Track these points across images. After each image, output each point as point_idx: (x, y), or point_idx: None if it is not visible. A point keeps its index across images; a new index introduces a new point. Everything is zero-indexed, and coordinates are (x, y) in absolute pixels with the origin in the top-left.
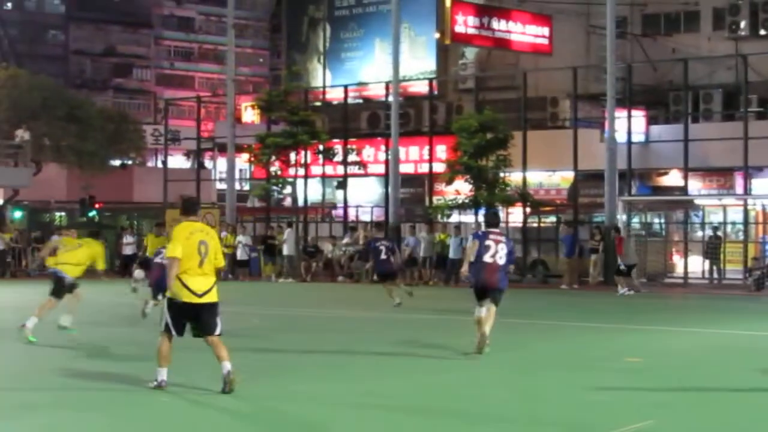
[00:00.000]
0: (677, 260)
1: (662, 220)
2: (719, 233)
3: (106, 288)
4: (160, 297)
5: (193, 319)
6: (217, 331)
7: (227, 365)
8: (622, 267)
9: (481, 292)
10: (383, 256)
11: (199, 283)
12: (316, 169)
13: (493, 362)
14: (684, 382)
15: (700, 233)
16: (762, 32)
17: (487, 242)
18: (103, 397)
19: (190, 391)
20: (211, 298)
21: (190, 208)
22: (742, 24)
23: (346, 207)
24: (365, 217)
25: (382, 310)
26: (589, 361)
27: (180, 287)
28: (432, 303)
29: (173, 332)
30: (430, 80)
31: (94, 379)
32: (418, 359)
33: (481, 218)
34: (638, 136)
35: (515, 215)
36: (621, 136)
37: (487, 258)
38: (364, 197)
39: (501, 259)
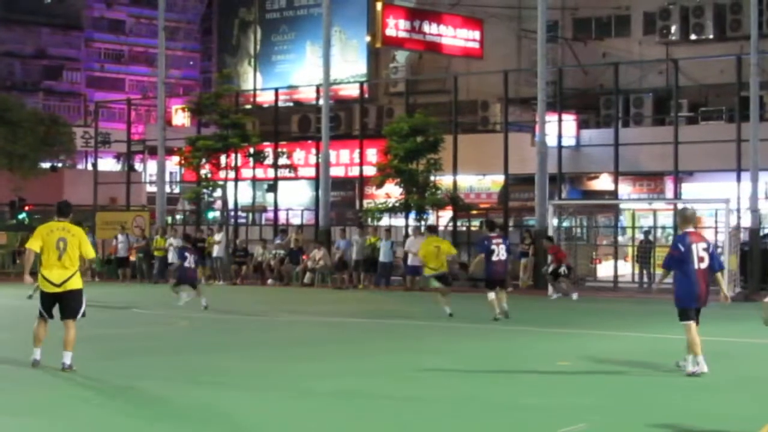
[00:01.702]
0: (604, 264)
1: (586, 225)
2: (650, 237)
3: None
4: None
5: (57, 304)
6: (79, 316)
7: (68, 357)
8: (563, 270)
9: (494, 282)
10: (498, 257)
11: (57, 275)
12: (246, 172)
13: (427, 367)
14: (615, 385)
15: (621, 238)
16: (693, 37)
17: (492, 246)
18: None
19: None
20: (71, 286)
21: (62, 210)
22: (673, 29)
23: (276, 210)
24: (295, 221)
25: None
26: (520, 364)
27: (42, 279)
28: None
29: (45, 316)
30: (361, 83)
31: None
32: (349, 361)
33: (411, 222)
34: (569, 140)
35: (445, 219)
36: (552, 140)
37: (494, 257)
38: (295, 200)
39: (503, 256)
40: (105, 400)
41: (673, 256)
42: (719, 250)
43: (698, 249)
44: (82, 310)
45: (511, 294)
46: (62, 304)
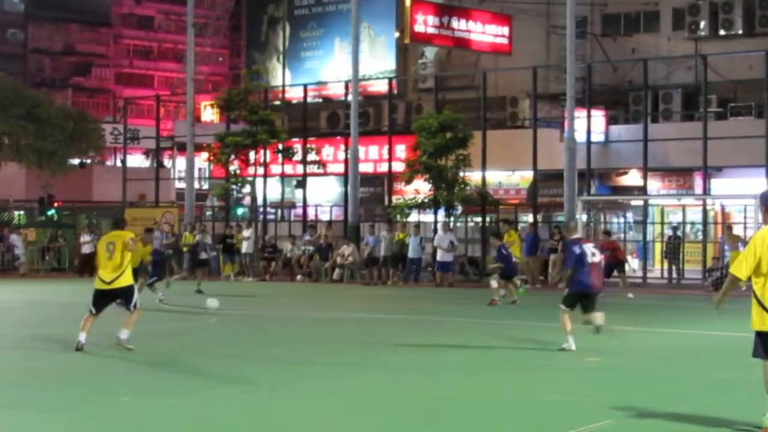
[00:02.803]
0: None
1: (619, 220)
2: (679, 233)
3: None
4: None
5: (111, 299)
6: (132, 308)
7: (125, 332)
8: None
9: (508, 277)
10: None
11: (106, 275)
12: (275, 169)
13: (451, 362)
14: (643, 382)
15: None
16: (721, 33)
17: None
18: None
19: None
20: (119, 284)
21: (118, 224)
22: (702, 24)
23: (305, 206)
24: (324, 217)
25: (341, 309)
26: (548, 360)
27: (96, 279)
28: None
29: (93, 311)
30: (390, 79)
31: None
32: (377, 357)
33: (440, 218)
34: (598, 136)
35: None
36: (580, 136)
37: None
38: (324, 196)
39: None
40: (134, 396)
41: (573, 258)
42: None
43: (590, 248)
44: (132, 304)
45: (539, 290)
46: (119, 298)
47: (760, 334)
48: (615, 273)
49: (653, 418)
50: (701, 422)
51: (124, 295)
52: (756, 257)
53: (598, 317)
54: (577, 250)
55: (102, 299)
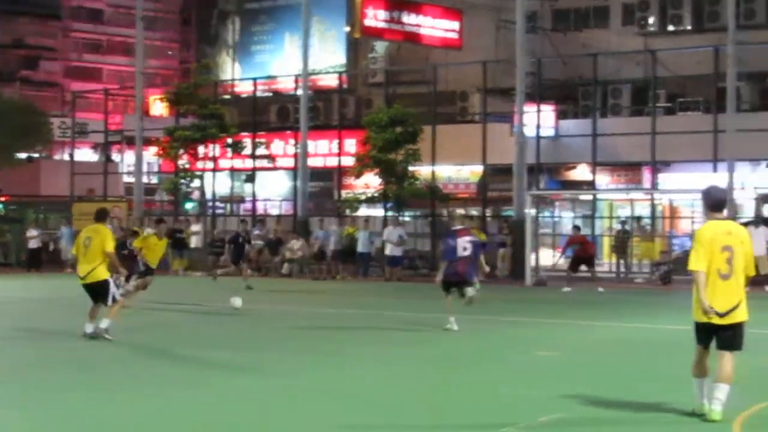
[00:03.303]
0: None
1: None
2: (627, 227)
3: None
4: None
5: (91, 292)
6: (108, 303)
7: (105, 321)
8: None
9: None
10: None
11: (82, 270)
12: (224, 163)
13: (404, 357)
14: (593, 375)
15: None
16: (670, 28)
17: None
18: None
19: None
20: (93, 278)
21: (101, 215)
22: (651, 20)
23: (254, 201)
24: (274, 211)
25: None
26: (500, 354)
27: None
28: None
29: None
30: (340, 74)
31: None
32: (327, 356)
33: (390, 212)
34: (547, 131)
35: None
36: (530, 131)
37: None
38: (273, 191)
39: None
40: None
41: (447, 248)
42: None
43: (463, 242)
44: (110, 299)
45: (489, 284)
46: (92, 293)
47: (695, 324)
48: (583, 267)
49: (603, 410)
50: (650, 413)
51: (98, 290)
52: (706, 250)
53: (470, 290)
54: (450, 242)
55: (87, 292)
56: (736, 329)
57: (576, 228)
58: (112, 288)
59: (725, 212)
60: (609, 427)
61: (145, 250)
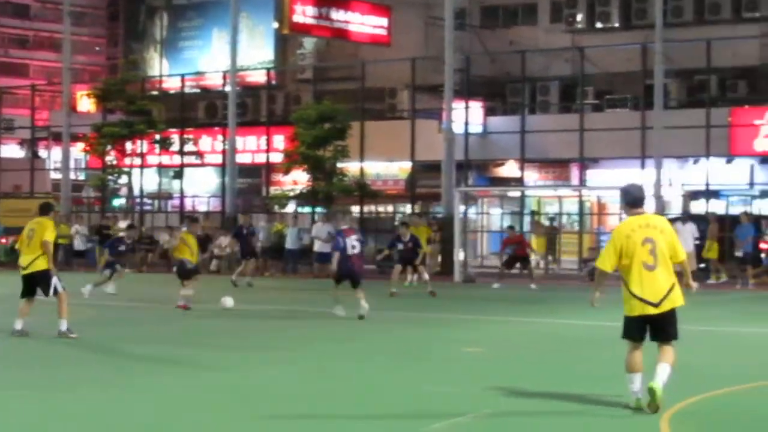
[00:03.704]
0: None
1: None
2: (555, 224)
3: None
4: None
5: (33, 283)
6: (50, 293)
7: (62, 323)
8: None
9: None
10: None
11: (24, 260)
12: (152, 159)
13: (328, 353)
14: (520, 371)
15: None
16: (598, 25)
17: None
18: None
19: None
20: (34, 268)
21: (44, 209)
22: (579, 17)
23: (182, 197)
24: (202, 208)
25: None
26: (426, 351)
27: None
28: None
29: (25, 296)
30: (268, 70)
31: None
32: (245, 352)
33: (318, 209)
34: (476, 128)
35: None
36: (459, 127)
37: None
38: (201, 187)
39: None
40: None
41: (337, 247)
42: None
43: (351, 241)
44: (52, 290)
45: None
46: (37, 285)
47: (626, 318)
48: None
49: (529, 405)
50: (578, 407)
51: (40, 280)
52: (617, 250)
53: (364, 305)
54: (340, 242)
55: (26, 284)
56: (672, 317)
57: (511, 228)
58: (54, 279)
59: (644, 208)
60: (536, 421)
61: (182, 250)
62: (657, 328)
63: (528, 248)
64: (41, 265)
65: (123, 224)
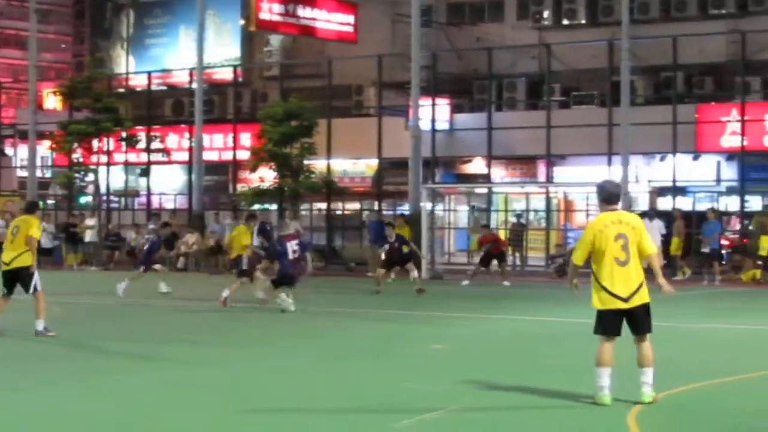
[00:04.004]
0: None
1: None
2: (522, 221)
3: None
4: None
5: (14, 279)
6: (30, 291)
7: (39, 323)
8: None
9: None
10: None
11: (7, 256)
12: (119, 157)
13: (298, 350)
14: (487, 368)
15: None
16: (565, 22)
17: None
18: None
19: None
20: (17, 264)
21: (30, 207)
22: (546, 14)
23: (149, 195)
24: (169, 205)
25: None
26: (393, 348)
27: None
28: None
29: (4, 292)
30: (235, 67)
31: None
32: (224, 348)
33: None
34: (443, 124)
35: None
36: (425, 124)
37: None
38: (168, 185)
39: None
40: None
41: (279, 253)
42: None
43: (292, 245)
44: (32, 288)
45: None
46: (17, 282)
47: (599, 312)
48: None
49: (498, 401)
50: (545, 403)
51: (22, 276)
52: (589, 244)
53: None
54: (279, 248)
55: (7, 280)
56: (645, 311)
57: (485, 227)
58: (36, 278)
59: (618, 205)
60: (504, 416)
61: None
62: (633, 321)
63: (504, 246)
64: (24, 261)
65: (90, 222)
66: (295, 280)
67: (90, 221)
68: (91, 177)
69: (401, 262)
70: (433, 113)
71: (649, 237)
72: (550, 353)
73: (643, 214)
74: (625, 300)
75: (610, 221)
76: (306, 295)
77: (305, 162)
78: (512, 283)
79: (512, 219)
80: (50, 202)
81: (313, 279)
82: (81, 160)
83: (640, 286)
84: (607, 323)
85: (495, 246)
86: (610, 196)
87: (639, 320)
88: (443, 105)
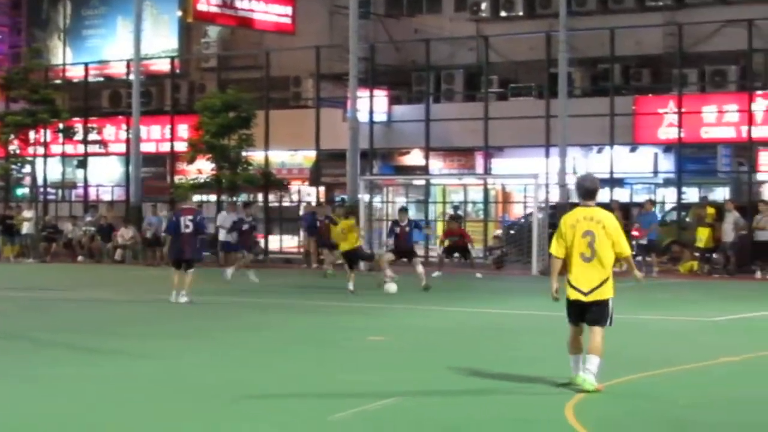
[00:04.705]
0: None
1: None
2: (460, 212)
3: None
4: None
5: None
6: None
7: None
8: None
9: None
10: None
11: None
12: (56, 148)
13: (238, 342)
14: (425, 360)
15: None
16: (503, 14)
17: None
18: None
19: None
20: None
21: None
22: (484, 6)
23: (86, 186)
24: (106, 197)
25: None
26: (332, 340)
27: None
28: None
29: None
30: (173, 59)
31: None
32: (160, 341)
33: (223, 198)
34: (380, 116)
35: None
36: (363, 116)
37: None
38: (105, 176)
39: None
40: None
41: (170, 226)
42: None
43: (185, 220)
44: None
45: (323, 270)
46: None
47: (568, 302)
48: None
49: (437, 392)
50: (483, 394)
51: None
52: (562, 237)
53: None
54: (173, 222)
55: None
56: (601, 306)
57: (454, 219)
58: None
59: (593, 201)
60: (441, 407)
61: (352, 239)
62: (588, 315)
63: (469, 241)
64: None
65: (27, 214)
66: (184, 257)
67: (27, 213)
68: (28, 169)
69: (408, 254)
70: (371, 105)
71: (624, 237)
72: (490, 344)
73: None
74: (585, 294)
75: (582, 217)
76: (246, 287)
77: (243, 153)
78: (440, 274)
79: (450, 211)
80: None
81: (253, 270)
82: (18, 151)
83: (603, 282)
84: (570, 312)
85: (460, 240)
86: (585, 192)
87: (593, 313)
88: (381, 97)
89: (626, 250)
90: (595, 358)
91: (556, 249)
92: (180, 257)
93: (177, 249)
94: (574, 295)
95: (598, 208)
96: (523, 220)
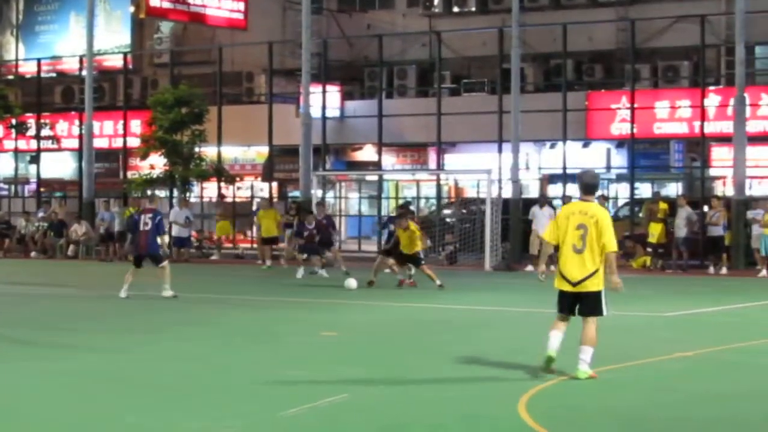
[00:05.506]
0: None
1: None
2: (412, 208)
3: None
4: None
5: None
6: None
7: None
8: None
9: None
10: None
11: None
12: (8, 144)
13: (186, 337)
14: (376, 355)
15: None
16: (455, 10)
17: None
18: None
19: None
20: None
21: None
22: (436, 1)
23: (39, 182)
24: (59, 193)
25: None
26: (283, 336)
27: None
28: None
29: None
30: (125, 54)
31: None
32: (108, 335)
33: (176, 193)
34: (333, 112)
35: (210, 190)
36: (316, 112)
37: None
38: (58, 172)
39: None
40: None
41: (131, 224)
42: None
43: (145, 218)
44: None
45: (278, 265)
46: None
47: (558, 292)
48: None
49: (390, 388)
50: (438, 388)
51: None
52: (557, 226)
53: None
54: (135, 217)
55: None
56: (591, 298)
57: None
58: None
59: (592, 196)
60: (393, 403)
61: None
62: (579, 304)
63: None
64: None
65: None
66: (144, 255)
67: None
68: None
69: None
70: (324, 100)
71: (613, 234)
72: (445, 339)
73: (533, 202)
74: (573, 284)
75: (578, 210)
76: (195, 283)
77: (196, 149)
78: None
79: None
80: None
81: (204, 267)
82: None
83: (592, 274)
84: (559, 301)
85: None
86: (584, 186)
87: (584, 304)
88: (334, 92)
89: (612, 246)
90: (589, 349)
91: (549, 235)
92: (138, 253)
93: (135, 245)
94: (561, 285)
95: (595, 204)
96: (464, 211)
